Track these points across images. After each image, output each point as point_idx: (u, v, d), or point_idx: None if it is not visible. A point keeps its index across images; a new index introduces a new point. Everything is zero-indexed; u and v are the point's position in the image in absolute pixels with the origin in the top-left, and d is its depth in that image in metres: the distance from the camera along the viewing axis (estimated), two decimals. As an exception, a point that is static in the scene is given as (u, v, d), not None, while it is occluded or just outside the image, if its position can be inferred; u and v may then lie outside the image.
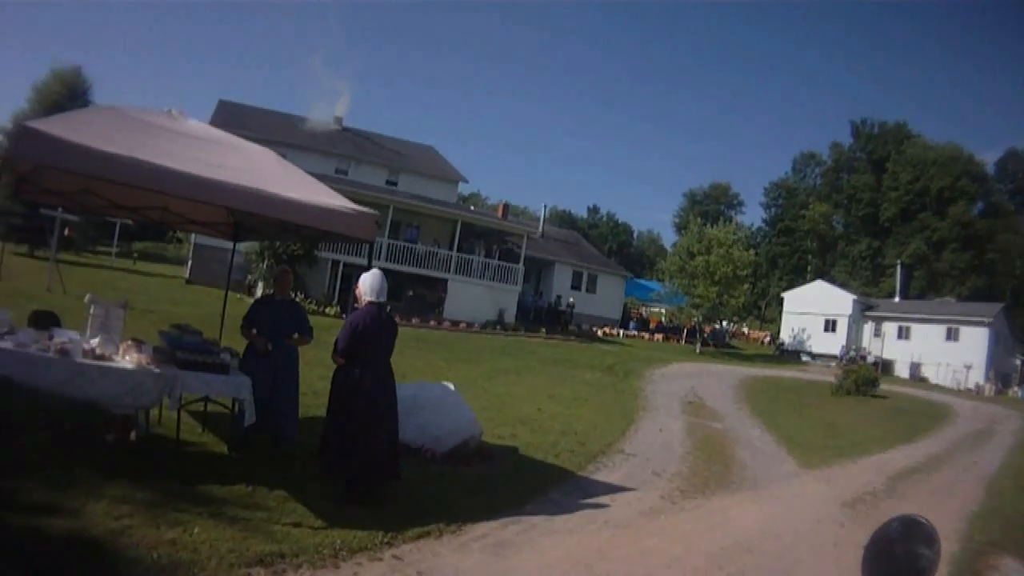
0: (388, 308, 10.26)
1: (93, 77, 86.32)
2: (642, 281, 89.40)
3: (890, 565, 3.63)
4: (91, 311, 10.43)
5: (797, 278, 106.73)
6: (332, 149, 60.21)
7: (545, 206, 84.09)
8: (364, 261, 11.24)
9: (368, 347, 9.75)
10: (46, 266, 32.14)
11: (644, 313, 76.75)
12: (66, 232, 42.89)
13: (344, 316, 35.53)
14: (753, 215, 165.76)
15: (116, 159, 7.94)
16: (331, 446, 9.87)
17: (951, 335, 66.61)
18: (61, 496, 7.77)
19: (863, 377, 38.88)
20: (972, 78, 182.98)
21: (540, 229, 68.63)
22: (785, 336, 76.65)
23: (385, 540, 8.50)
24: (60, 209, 28.69)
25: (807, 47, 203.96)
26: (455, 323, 45.36)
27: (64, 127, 8.17)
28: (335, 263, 44.49)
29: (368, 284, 9.98)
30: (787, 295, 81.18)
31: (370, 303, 9.94)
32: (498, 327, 48.21)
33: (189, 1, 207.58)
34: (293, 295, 28.47)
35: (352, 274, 42.24)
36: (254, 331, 11.20)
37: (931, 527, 3.51)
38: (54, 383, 8.62)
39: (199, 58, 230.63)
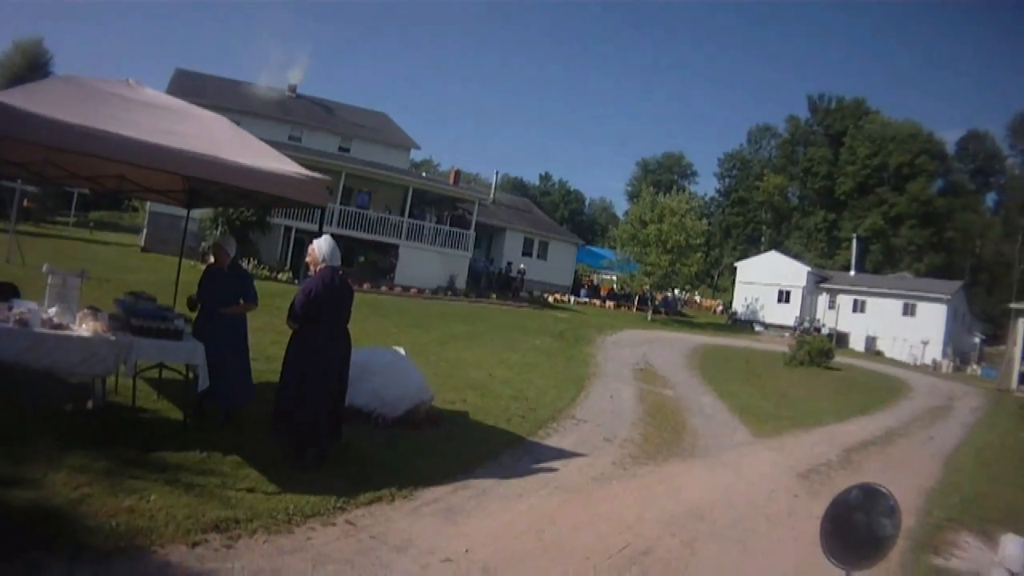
0: (342, 272, 10.33)
1: (53, 49, 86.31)
2: (594, 248, 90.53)
3: (850, 533, 3.75)
4: (48, 281, 10.53)
5: (751, 248, 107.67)
6: (285, 116, 60.18)
7: (497, 173, 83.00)
8: (316, 227, 11.28)
9: (323, 311, 9.90)
10: (5, 238, 31.92)
11: (595, 280, 77.75)
12: (25, 203, 43.53)
13: (296, 282, 35.75)
14: (707, 185, 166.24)
15: (74, 129, 8.05)
16: (283, 409, 9.98)
17: (908, 310, 66.63)
18: (22, 468, 7.89)
19: (817, 348, 38.96)
20: (932, 58, 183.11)
21: (492, 195, 69.00)
22: (738, 305, 76.81)
23: (338, 505, 8.70)
24: (19, 180, 28.37)
25: (766, 20, 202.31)
26: (406, 289, 45.62)
27: (25, 98, 8.28)
28: (288, 229, 44.60)
29: (321, 249, 10.16)
30: (740, 265, 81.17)
31: (324, 268, 10.08)
32: (449, 293, 48.60)
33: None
34: (247, 261, 28.30)
35: (304, 240, 42.10)
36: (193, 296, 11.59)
37: (892, 497, 3.64)
38: (14, 353, 8.75)
39: (160, 27, 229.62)
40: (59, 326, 9.25)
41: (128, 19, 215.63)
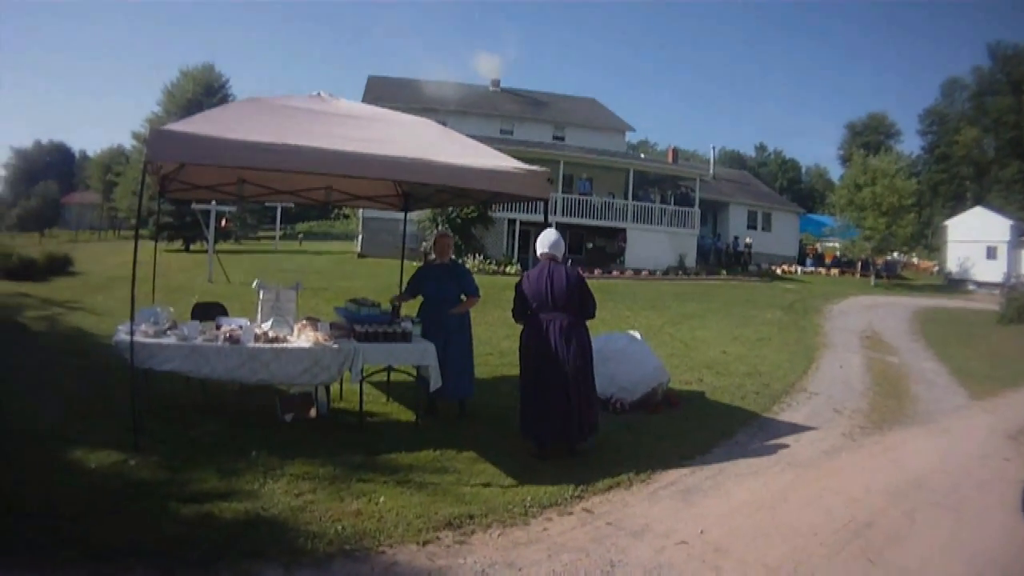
0: (568, 261, 10.05)
1: (228, 73, 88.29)
2: (814, 216, 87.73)
3: None
4: (260, 296, 10.70)
5: (958, 205, 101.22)
6: (493, 111, 59.81)
7: (714, 148, 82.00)
8: (541, 218, 11.27)
9: (539, 302, 9.68)
10: (205, 259, 32.94)
11: (819, 248, 75.66)
12: (223, 223, 44.26)
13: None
14: (911, 143, 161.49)
15: (270, 148, 8.06)
16: (523, 404, 9.85)
17: (1103, 255, 61.93)
18: (236, 480, 7.87)
19: (1021, 304, 36.71)
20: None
21: (711, 171, 67.99)
22: (951, 265, 72.34)
23: (575, 494, 8.50)
24: (213, 202, 28.93)
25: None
26: (637, 271, 45.34)
27: (205, 124, 8.38)
28: (511, 222, 44.70)
29: (540, 240, 10.02)
30: (950, 223, 75.99)
31: (542, 259, 9.92)
32: (679, 272, 48.29)
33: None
34: (473, 257, 28.41)
35: (530, 232, 43.09)
36: (404, 295, 11.70)
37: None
38: (225, 371, 8.98)
39: (341, 42, 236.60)
40: (275, 339, 9.38)
41: (315, 32, 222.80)
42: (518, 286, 9.97)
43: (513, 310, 10.06)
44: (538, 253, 10.11)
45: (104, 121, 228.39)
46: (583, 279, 10.16)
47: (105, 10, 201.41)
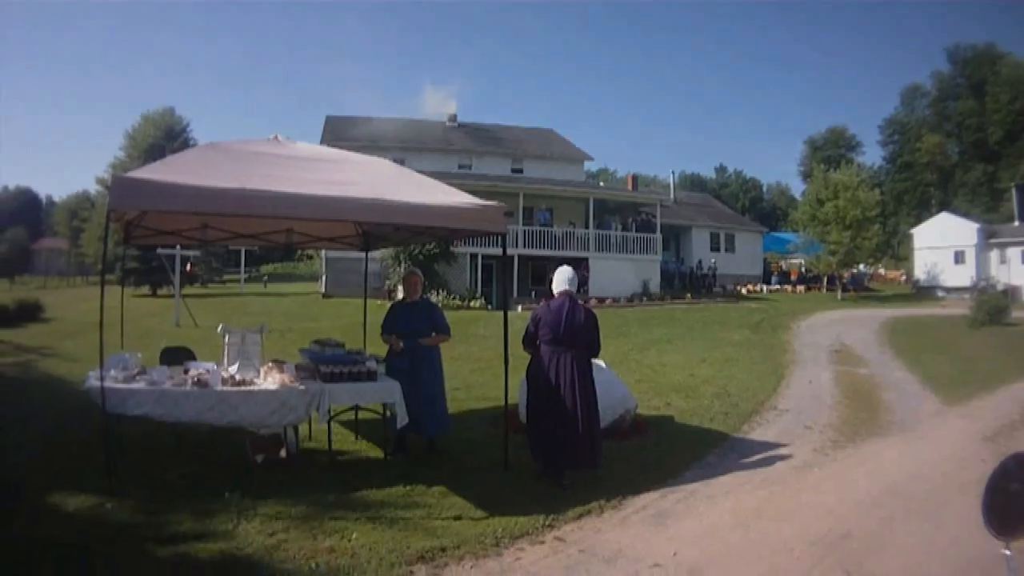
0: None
1: (188, 116, 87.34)
2: (778, 234, 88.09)
3: (1006, 503, 3.87)
4: (226, 340, 10.62)
5: (924, 212, 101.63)
6: (450, 146, 60.16)
7: (673, 172, 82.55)
8: (500, 252, 11.46)
9: (553, 335, 9.96)
10: (171, 303, 33.26)
11: (784, 266, 75.81)
12: (188, 268, 44.28)
13: (489, 307, 37.15)
14: (873, 155, 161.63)
15: (230, 193, 8.19)
16: (532, 431, 10.20)
17: (1071, 252, 62.04)
18: (211, 521, 7.89)
19: (995, 307, 37.51)
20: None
21: (672, 195, 68.09)
22: (919, 273, 73.23)
23: (546, 523, 8.51)
24: (178, 247, 29.03)
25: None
26: (601, 300, 44.72)
27: (166, 171, 8.51)
28: (473, 256, 44.08)
29: (558, 278, 10.48)
30: (916, 231, 77.35)
31: (558, 294, 10.27)
32: (644, 298, 48.26)
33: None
34: (436, 293, 28.40)
35: (492, 265, 43.41)
36: (392, 336, 11.35)
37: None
38: (195, 414, 8.99)
39: (300, 80, 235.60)
40: (242, 382, 9.43)
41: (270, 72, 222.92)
42: (534, 315, 10.25)
43: (524, 338, 10.29)
44: (555, 290, 10.38)
45: (70, 165, 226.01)
46: (597, 319, 10.51)
47: (65, 52, 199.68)
